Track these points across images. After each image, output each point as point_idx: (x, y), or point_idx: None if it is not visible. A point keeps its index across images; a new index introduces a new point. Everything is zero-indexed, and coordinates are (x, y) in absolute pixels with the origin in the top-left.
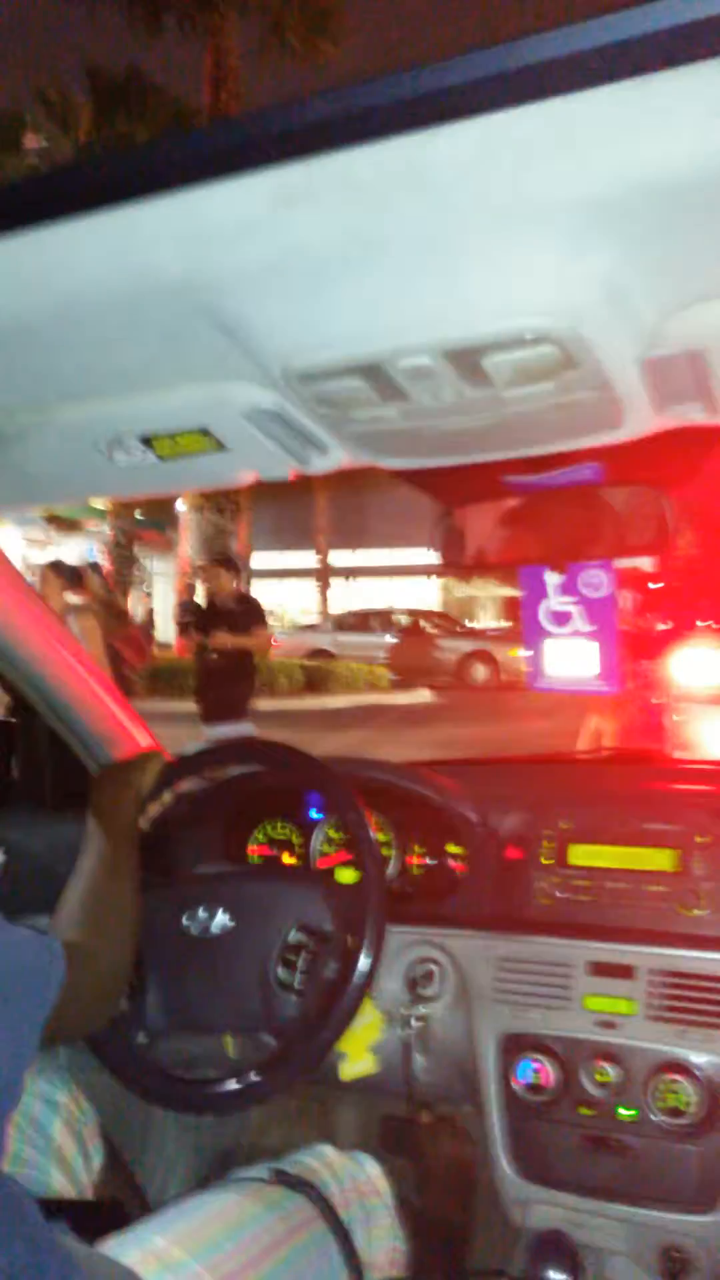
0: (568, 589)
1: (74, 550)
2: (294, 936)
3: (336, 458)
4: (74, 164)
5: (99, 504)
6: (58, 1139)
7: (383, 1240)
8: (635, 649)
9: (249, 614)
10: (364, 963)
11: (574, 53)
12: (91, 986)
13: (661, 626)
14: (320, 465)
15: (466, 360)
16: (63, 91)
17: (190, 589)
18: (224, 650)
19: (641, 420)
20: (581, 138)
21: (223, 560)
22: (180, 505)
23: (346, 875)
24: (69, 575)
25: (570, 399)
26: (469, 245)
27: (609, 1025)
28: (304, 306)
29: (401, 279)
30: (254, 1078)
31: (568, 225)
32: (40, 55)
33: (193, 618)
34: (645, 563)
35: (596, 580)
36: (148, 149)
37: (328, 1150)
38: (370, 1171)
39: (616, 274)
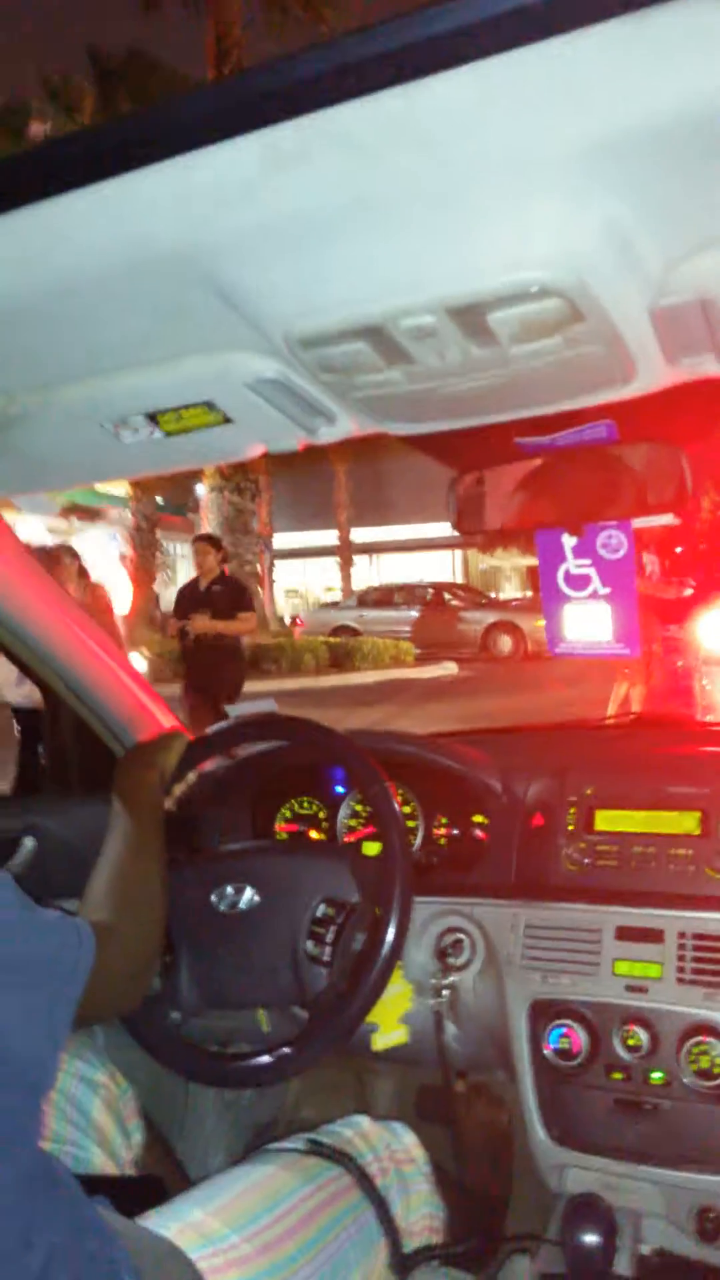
0: (585, 551)
1: (96, 537)
2: (322, 910)
3: (344, 426)
4: (62, 139)
5: (118, 490)
6: (97, 1117)
7: (420, 1208)
8: (661, 613)
9: (230, 596)
10: (392, 934)
11: None
12: (122, 966)
13: (688, 591)
14: (328, 434)
15: (470, 318)
16: (65, 75)
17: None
18: (205, 635)
19: (654, 374)
20: (579, 81)
21: (208, 538)
22: (200, 488)
23: (372, 848)
24: (44, 559)
25: (579, 354)
26: (468, 199)
27: (638, 989)
28: (302, 270)
29: (400, 237)
30: (287, 1051)
31: (568, 173)
32: (41, 40)
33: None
34: (670, 526)
35: (614, 542)
36: (134, 118)
37: (363, 1121)
38: (406, 1140)
39: (621, 221)
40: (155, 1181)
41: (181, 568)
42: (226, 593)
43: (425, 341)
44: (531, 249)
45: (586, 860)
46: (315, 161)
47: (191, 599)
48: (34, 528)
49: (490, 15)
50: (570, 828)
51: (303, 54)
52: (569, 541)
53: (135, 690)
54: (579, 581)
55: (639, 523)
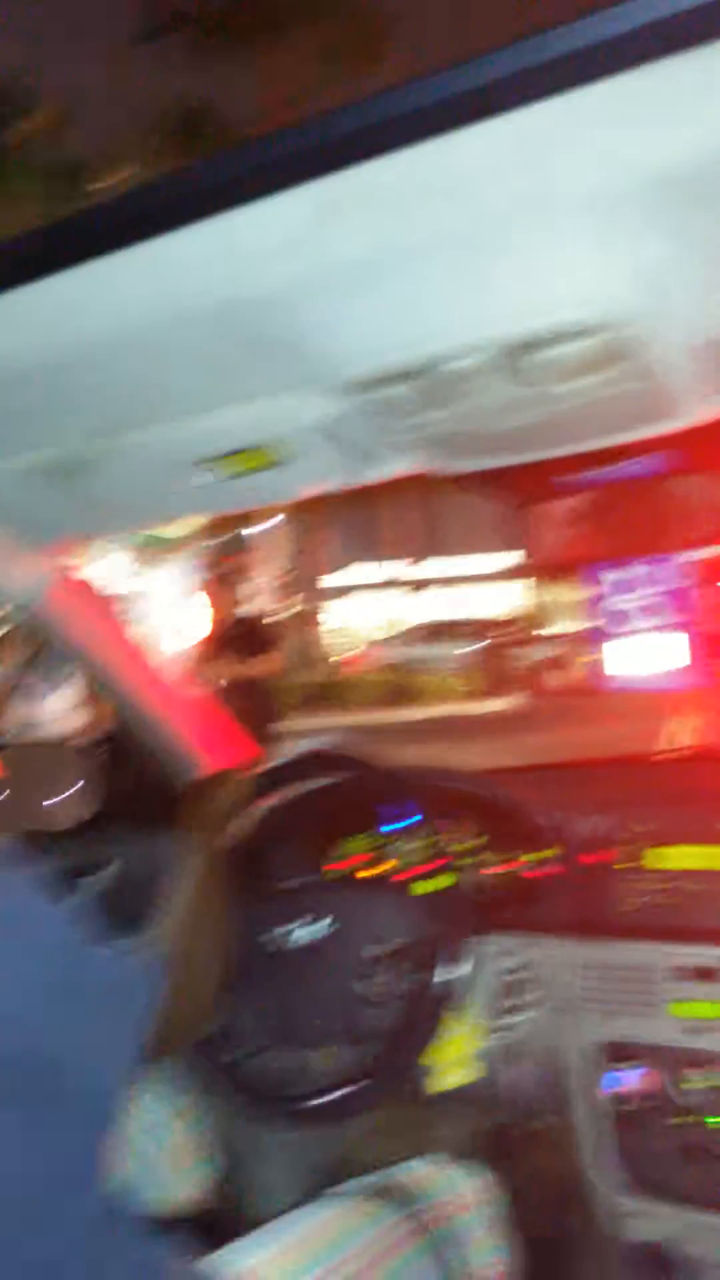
0: (640, 584)
1: (170, 574)
2: (377, 949)
3: (393, 465)
4: (117, 199)
5: (181, 532)
6: (163, 1155)
7: (482, 1254)
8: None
9: (249, 638)
10: (448, 974)
11: (593, 43)
12: (186, 1002)
13: None
14: (378, 473)
15: (513, 358)
16: (140, 133)
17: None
18: (233, 679)
19: (698, 407)
20: (613, 126)
21: (223, 577)
22: (258, 526)
23: (426, 886)
24: None
25: (621, 390)
26: (506, 243)
27: (697, 1030)
28: (351, 316)
29: (442, 282)
30: (347, 1091)
31: (604, 214)
32: (110, 97)
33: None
34: None
35: (666, 574)
36: (188, 175)
37: (424, 1164)
38: (467, 1185)
39: (659, 259)
40: (219, 1222)
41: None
42: (245, 634)
43: (469, 382)
44: (570, 290)
45: (641, 897)
46: (358, 213)
47: (215, 641)
48: (100, 567)
49: (517, 70)
50: (625, 864)
51: (339, 112)
52: (620, 574)
53: (199, 722)
54: (635, 614)
55: (698, 554)
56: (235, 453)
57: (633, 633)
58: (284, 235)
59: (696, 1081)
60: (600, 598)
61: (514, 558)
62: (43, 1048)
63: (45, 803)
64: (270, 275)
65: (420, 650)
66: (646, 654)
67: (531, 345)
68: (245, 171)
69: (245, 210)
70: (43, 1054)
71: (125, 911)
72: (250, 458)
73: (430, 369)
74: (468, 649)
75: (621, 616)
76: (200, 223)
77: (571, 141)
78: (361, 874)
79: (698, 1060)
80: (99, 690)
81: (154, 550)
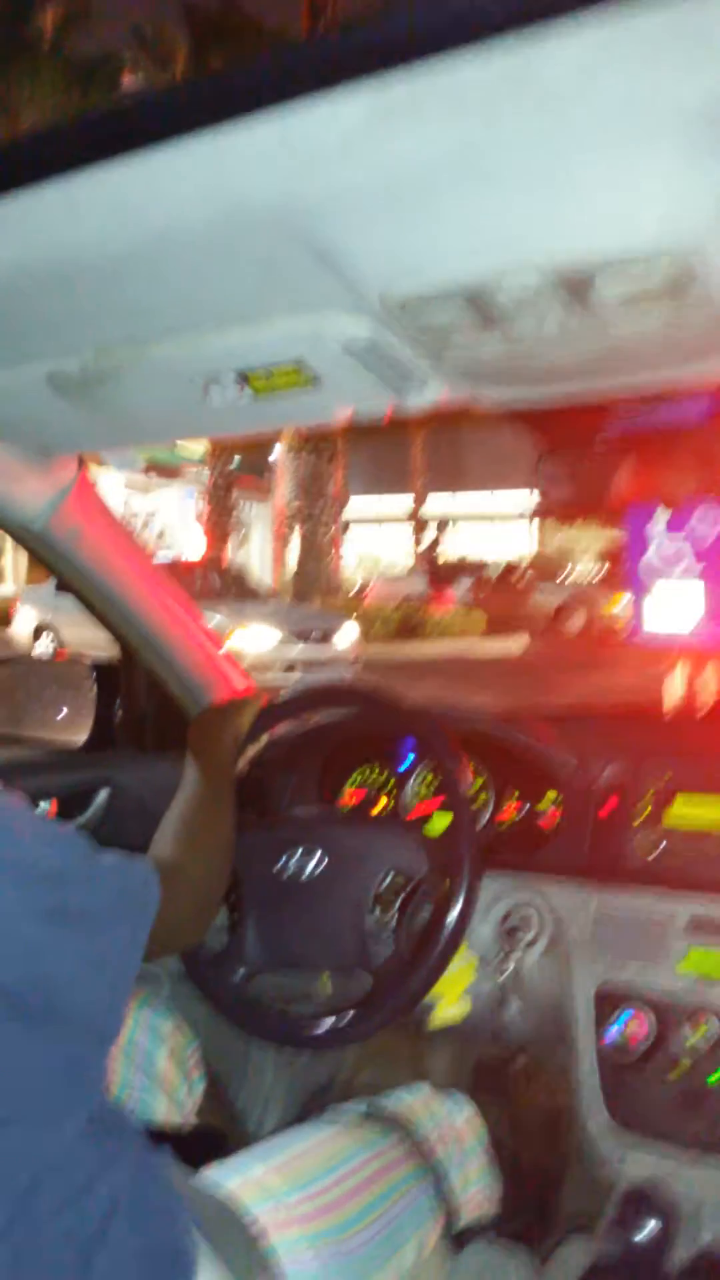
0: (676, 530)
1: (173, 495)
2: (389, 880)
3: (435, 391)
4: (162, 89)
5: (198, 449)
6: (162, 1067)
7: (475, 1182)
8: None
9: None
10: (459, 908)
11: None
12: (185, 905)
13: None
14: (417, 400)
15: (575, 282)
16: (158, 29)
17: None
18: None
19: None
20: (704, 34)
21: (222, 505)
22: (277, 449)
23: (441, 821)
24: None
25: (684, 323)
26: (581, 157)
27: (705, 985)
28: (405, 229)
29: (507, 196)
30: (349, 1017)
31: (688, 132)
32: None
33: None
34: None
35: (711, 518)
36: (238, 68)
37: (423, 1090)
38: (464, 1113)
39: None
40: (216, 1134)
41: (256, 528)
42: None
43: (526, 305)
44: (644, 211)
45: (661, 848)
46: (423, 115)
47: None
48: (113, 483)
49: None
50: (645, 814)
51: (417, 3)
52: (659, 521)
53: (211, 651)
54: (668, 562)
55: None
56: (268, 369)
57: (664, 579)
58: (341, 137)
59: (699, 1033)
60: (634, 541)
61: (537, 498)
62: (41, 968)
63: (48, 720)
64: (321, 179)
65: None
66: (677, 602)
67: (597, 268)
68: (301, 65)
69: (298, 107)
70: (41, 973)
71: (128, 831)
72: (283, 376)
73: (485, 289)
74: (484, 587)
75: (656, 561)
76: (249, 118)
77: (663, 49)
78: (371, 808)
79: (702, 1012)
80: (110, 610)
81: (164, 469)
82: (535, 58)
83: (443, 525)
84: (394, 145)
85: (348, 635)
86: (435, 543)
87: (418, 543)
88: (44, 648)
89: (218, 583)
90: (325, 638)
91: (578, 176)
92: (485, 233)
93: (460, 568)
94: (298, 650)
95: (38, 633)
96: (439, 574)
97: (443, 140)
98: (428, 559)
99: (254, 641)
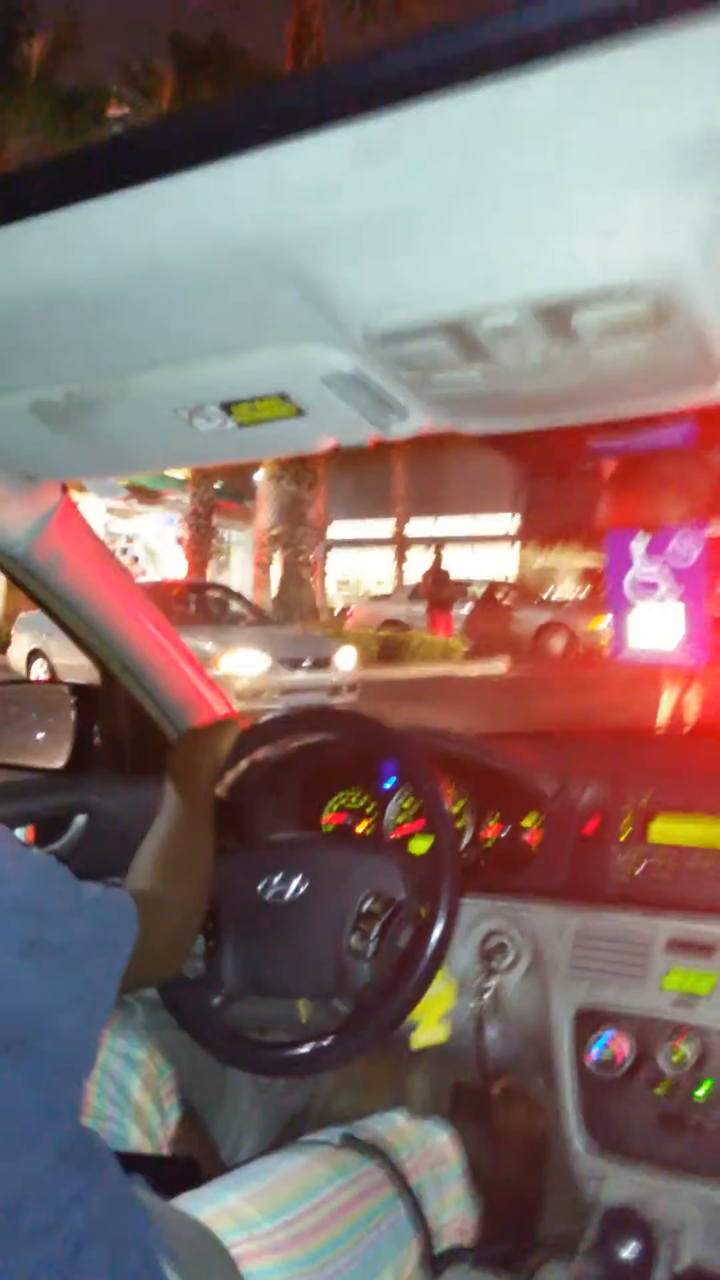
0: (655, 556)
1: (154, 521)
2: (368, 905)
3: (417, 423)
4: (148, 127)
5: (179, 475)
6: (136, 1095)
7: (452, 1208)
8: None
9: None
10: (438, 932)
11: None
12: (163, 937)
13: None
14: (400, 430)
15: (555, 317)
16: (145, 61)
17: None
18: None
19: None
20: (681, 74)
21: (203, 529)
22: (258, 475)
23: (420, 845)
24: None
25: (664, 356)
26: (560, 195)
27: (687, 1004)
28: (387, 265)
29: (487, 233)
30: (327, 1043)
31: (665, 169)
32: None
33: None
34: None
35: (686, 547)
36: (223, 107)
37: (399, 1117)
38: (440, 1139)
39: (715, 220)
40: (190, 1163)
41: (237, 553)
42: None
43: (507, 340)
44: (623, 247)
45: (640, 870)
46: (407, 156)
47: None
48: (94, 508)
49: (590, 12)
50: (624, 836)
51: (400, 46)
52: (639, 544)
53: (190, 675)
54: (648, 586)
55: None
56: (251, 401)
57: (643, 604)
58: (325, 176)
59: (679, 1053)
60: (616, 567)
61: (520, 521)
62: (19, 1001)
63: (26, 744)
64: (305, 217)
65: (418, 608)
66: (659, 627)
67: (576, 303)
68: (287, 106)
69: (284, 147)
70: (18, 1007)
71: (106, 856)
72: (267, 407)
73: (466, 324)
74: (467, 610)
75: (638, 587)
76: (236, 157)
77: (640, 89)
78: (352, 830)
79: (684, 1032)
80: (89, 634)
81: (145, 494)
82: (514, 99)
83: (440, 547)
84: (377, 183)
85: (347, 659)
86: (437, 564)
87: (399, 567)
88: (38, 673)
89: (202, 607)
90: (321, 663)
91: (558, 212)
92: (467, 268)
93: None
94: (297, 677)
95: (31, 658)
96: (440, 599)
97: (425, 179)
98: (430, 582)
99: (242, 667)
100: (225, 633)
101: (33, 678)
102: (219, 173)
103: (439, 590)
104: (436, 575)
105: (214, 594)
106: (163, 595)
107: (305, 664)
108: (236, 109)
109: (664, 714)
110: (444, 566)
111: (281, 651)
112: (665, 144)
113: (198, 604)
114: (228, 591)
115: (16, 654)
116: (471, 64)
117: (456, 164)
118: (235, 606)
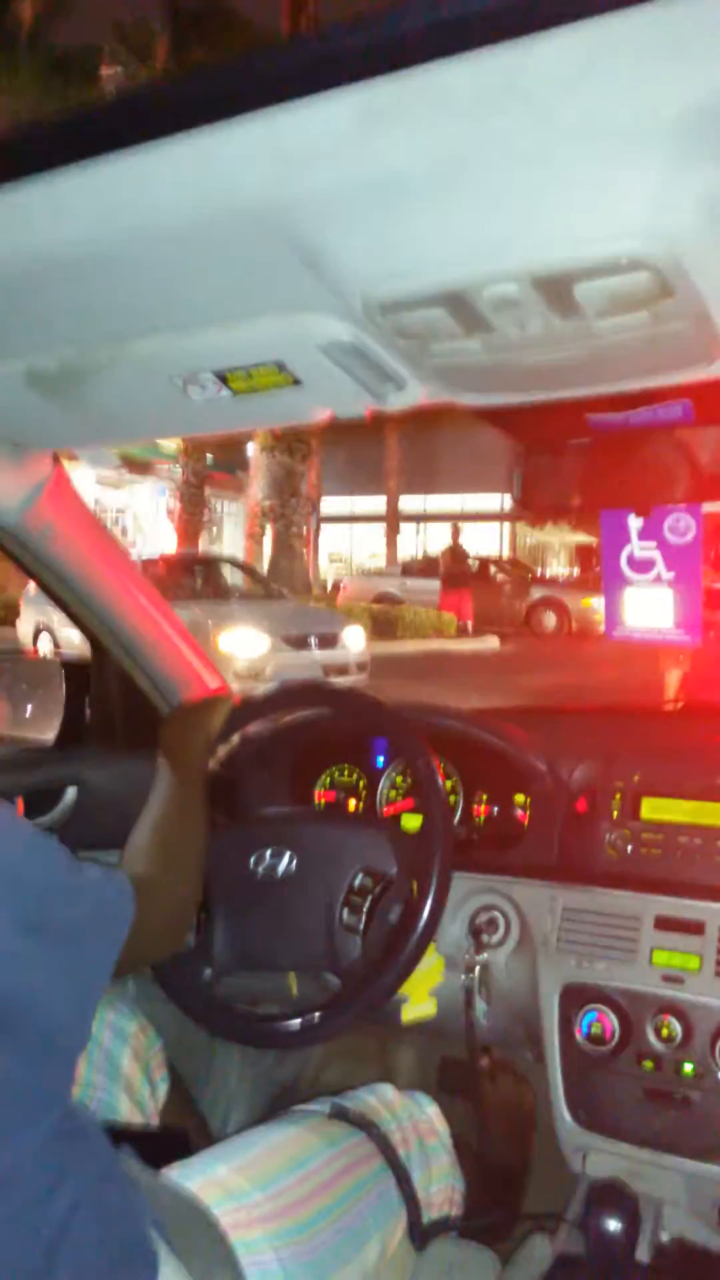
0: (651, 534)
1: (145, 492)
2: (360, 880)
3: (414, 394)
4: (149, 87)
5: (170, 446)
6: (125, 1068)
7: (440, 1180)
8: (710, 600)
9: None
10: (429, 908)
11: None
12: (159, 919)
13: None
14: (397, 402)
15: (556, 289)
16: (139, 21)
17: (260, 530)
18: None
19: None
20: (690, 42)
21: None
22: (250, 448)
23: (412, 821)
24: None
25: (664, 330)
26: (565, 164)
27: (675, 980)
28: (388, 232)
29: (491, 202)
30: (316, 1016)
31: (671, 140)
32: None
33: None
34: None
35: (682, 525)
36: (227, 68)
37: (387, 1089)
38: (429, 1112)
39: (718, 193)
40: (179, 1134)
41: (228, 525)
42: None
43: (507, 311)
44: (626, 219)
45: (630, 847)
46: (411, 120)
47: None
48: (85, 478)
49: None
50: (615, 814)
51: (407, 7)
52: (635, 523)
53: (183, 649)
54: (643, 565)
55: (708, 507)
56: (247, 369)
57: (638, 582)
58: (327, 140)
59: (670, 1030)
60: (611, 546)
61: (514, 498)
62: (15, 980)
63: (16, 717)
64: (306, 181)
65: (411, 583)
66: (654, 606)
67: (578, 275)
68: (291, 68)
69: (287, 109)
70: (14, 985)
71: (97, 829)
72: (263, 376)
73: (467, 294)
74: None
75: (633, 566)
76: (238, 119)
77: (649, 57)
78: (344, 807)
79: (671, 1009)
80: (81, 607)
81: (136, 464)
82: (522, 64)
83: (456, 524)
84: (380, 148)
85: (355, 637)
86: (455, 542)
87: (392, 541)
88: (44, 648)
89: (198, 580)
90: (328, 640)
91: (561, 183)
92: (468, 238)
93: (435, 565)
94: (306, 655)
95: (37, 633)
96: (457, 577)
97: (428, 145)
98: (449, 560)
99: (242, 645)
100: (226, 607)
101: (39, 652)
102: (221, 134)
103: (457, 569)
104: (455, 553)
105: (222, 567)
106: (172, 568)
107: (311, 641)
108: (240, 70)
109: (671, 691)
110: (462, 544)
111: (284, 629)
112: (669, 115)
113: (204, 578)
114: (234, 563)
115: (25, 629)
116: (475, 27)
117: (460, 130)
118: (238, 580)
